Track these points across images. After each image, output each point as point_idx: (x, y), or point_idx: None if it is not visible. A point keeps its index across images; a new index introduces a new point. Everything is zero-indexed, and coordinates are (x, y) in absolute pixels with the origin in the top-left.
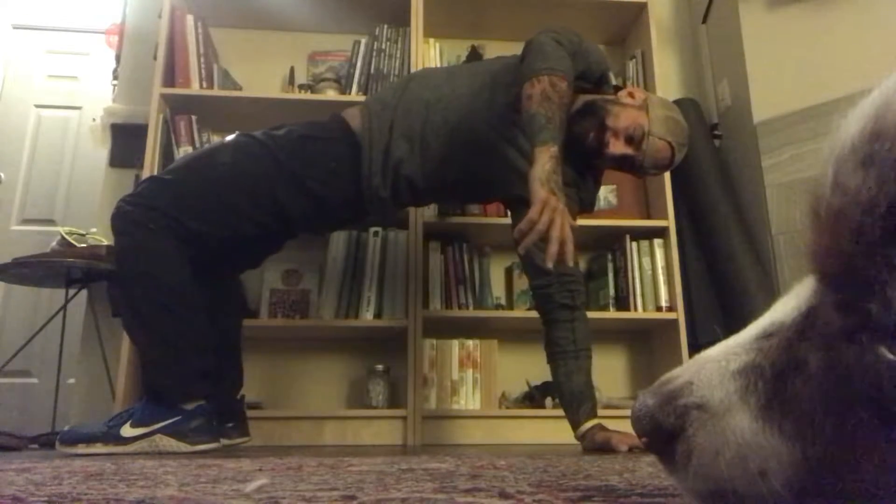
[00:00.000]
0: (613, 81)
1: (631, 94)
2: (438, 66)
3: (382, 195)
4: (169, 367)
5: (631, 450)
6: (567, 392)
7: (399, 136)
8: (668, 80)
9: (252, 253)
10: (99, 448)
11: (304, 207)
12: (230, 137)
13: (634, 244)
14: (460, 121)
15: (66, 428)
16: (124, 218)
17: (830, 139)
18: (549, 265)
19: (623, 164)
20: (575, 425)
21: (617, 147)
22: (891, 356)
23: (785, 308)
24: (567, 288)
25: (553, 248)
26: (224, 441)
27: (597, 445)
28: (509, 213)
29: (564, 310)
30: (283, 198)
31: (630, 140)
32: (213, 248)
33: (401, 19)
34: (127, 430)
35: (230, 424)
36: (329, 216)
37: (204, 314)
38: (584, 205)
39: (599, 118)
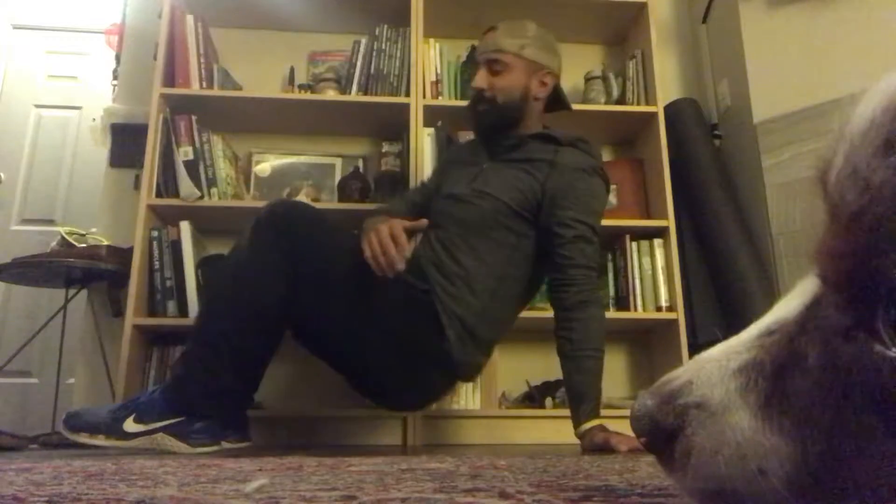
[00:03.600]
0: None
1: None
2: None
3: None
4: (206, 378)
5: (631, 451)
6: (570, 389)
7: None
8: (668, 80)
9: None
10: (101, 440)
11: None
12: None
13: (634, 244)
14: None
15: (72, 410)
16: (271, 221)
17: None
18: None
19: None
20: (576, 424)
21: (482, 77)
22: (890, 353)
23: (788, 306)
24: (587, 285)
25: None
26: (224, 444)
27: (596, 446)
28: None
29: (578, 305)
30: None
31: (486, 64)
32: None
33: (401, 19)
34: (130, 426)
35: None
36: None
37: (270, 344)
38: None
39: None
